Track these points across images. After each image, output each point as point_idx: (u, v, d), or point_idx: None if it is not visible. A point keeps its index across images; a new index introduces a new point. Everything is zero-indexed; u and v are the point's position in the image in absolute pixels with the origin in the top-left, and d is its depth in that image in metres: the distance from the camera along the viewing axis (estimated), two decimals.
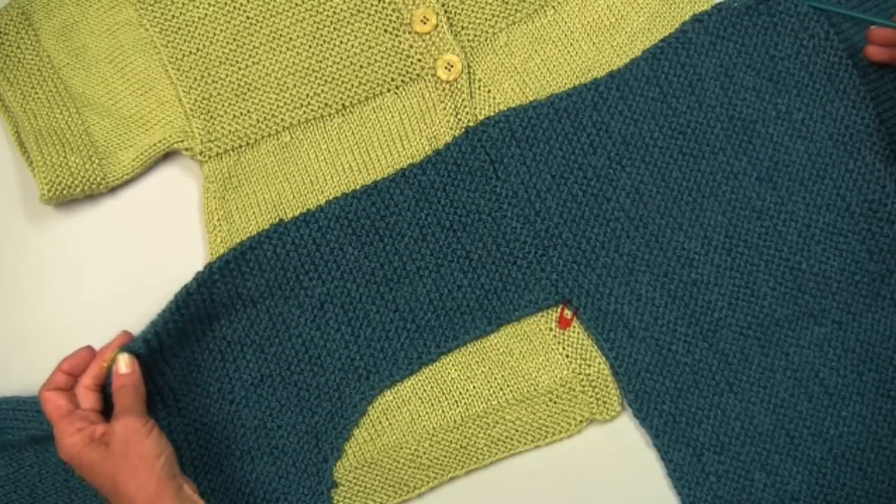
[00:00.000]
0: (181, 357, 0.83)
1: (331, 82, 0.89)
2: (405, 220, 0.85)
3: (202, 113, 0.88)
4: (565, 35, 0.90)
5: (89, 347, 0.81)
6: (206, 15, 0.89)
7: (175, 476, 0.73)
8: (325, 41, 0.89)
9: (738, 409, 0.82)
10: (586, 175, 0.85)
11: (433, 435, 0.85)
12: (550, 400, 0.85)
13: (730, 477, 0.82)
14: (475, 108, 0.89)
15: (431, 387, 0.86)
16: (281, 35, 0.89)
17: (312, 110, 0.89)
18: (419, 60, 0.89)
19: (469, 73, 0.90)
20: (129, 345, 0.79)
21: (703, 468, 0.82)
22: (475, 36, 0.90)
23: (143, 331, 0.80)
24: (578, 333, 0.86)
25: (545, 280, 0.85)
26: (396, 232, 0.85)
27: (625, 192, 0.84)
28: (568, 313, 0.85)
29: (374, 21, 0.89)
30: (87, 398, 0.78)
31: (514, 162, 0.85)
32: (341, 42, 0.89)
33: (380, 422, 0.85)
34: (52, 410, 0.76)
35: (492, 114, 0.88)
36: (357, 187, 0.87)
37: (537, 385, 0.85)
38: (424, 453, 0.84)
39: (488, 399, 0.85)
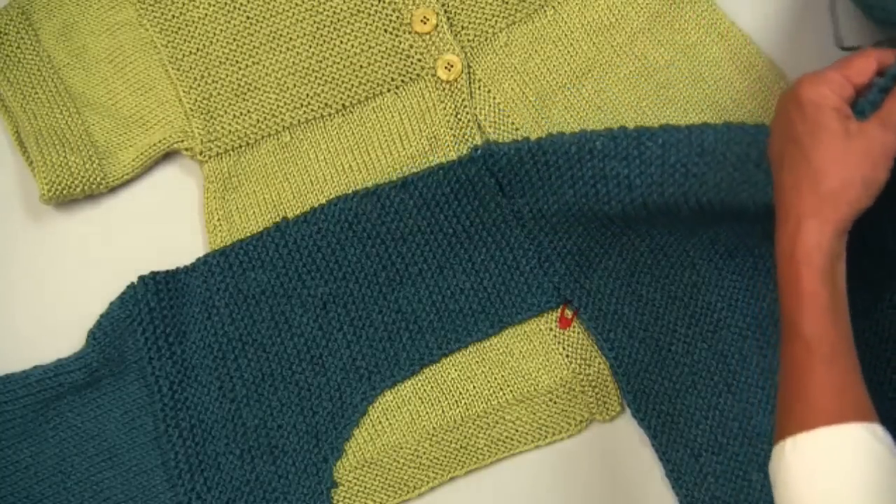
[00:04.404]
0: (180, 353, 0.84)
1: (331, 82, 0.89)
2: (406, 226, 0.85)
3: (202, 113, 0.88)
4: (565, 35, 0.90)
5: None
6: (206, 15, 0.89)
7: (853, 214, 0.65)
8: (325, 41, 0.89)
9: (736, 410, 0.82)
10: (592, 210, 0.82)
11: (433, 435, 0.85)
12: (550, 400, 0.85)
13: (727, 477, 0.82)
14: (475, 108, 0.89)
15: (431, 387, 0.86)
16: (281, 35, 0.89)
17: (312, 110, 0.89)
18: (419, 60, 0.89)
19: (469, 73, 0.90)
20: None
21: (701, 468, 0.82)
22: (475, 36, 0.90)
23: None
24: (578, 333, 0.86)
25: (547, 284, 0.85)
26: (398, 236, 0.85)
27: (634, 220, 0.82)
28: (568, 313, 0.86)
29: (374, 21, 0.89)
30: (846, 89, 0.67)
31: (522, 188, 0.83)
32: (341, 42, 0.89)
33: (380, 422, 0.85)
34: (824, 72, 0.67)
35: (492, 114, 0.88)
36: (357, 187, 0.88)
37: (537, 385, 0.85)
38: (424, 453, 0.85)
39: (488, 399, 0.85)
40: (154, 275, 0.84)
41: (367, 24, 0.89)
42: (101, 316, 0.85)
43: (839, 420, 0.62)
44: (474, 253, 0.85)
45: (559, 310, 0.86)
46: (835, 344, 0.64)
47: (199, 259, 0.86)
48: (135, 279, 0.85)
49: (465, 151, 0.88)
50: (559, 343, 0.86)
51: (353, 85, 0.89)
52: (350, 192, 0.86)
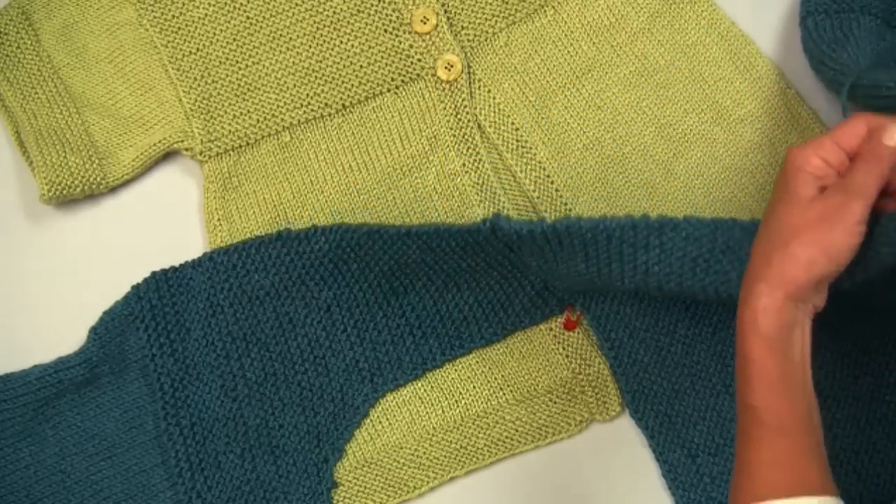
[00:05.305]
0: (182, 350, 0.84)
1: (331, 82, 0.89)
2: (411, 259, 0.83)
3: (202, 113, 0.88)
4: (565, 35, 0.90)
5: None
6: (206, 15, 0.89)
7: (816, 292, 0.64)
8: (325, 41, 0.89)
9: (733, 412, 0.83)
10: (604, 283, 0.79)
11: (433, 435, 0.85)
12: (550, 400, 0.85)
13: (724, 479, 0.82)
14: (475, 108, 0.89)
15: (431, 387, 0.86)
16: (281, 35, 0.89)
17: (312, 110, 0.89)
18: (419, 60, 0.89)
19: (469, 73, 0.90)
20: None
21: (698, 470, 0.83)
22: (475, 36, 0.90)
23: None
24: (578, 333, 0.86)
25: (549, 296, 0.85)
26: (402, 263, 0.83)
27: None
28: (574, 315, 0.86)
29: (374, 21, 0.89)
30: (835, 154, 0.66)
31: (531, 253, 0.80)
32: (341, 42, 0.89)
33: (380, 422, 0.86)
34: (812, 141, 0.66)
35: (492, 114, 0.88)
36: (357, 187, 0.88)
37: (537, 385, 0.86)
38: (424, 453, 0.85)
39: (488, 399, 0.86)
40: (156, 272, 0.85)
41: (367, 24, 0.89)
42: (104, 312, 0.85)
43: (789, 494, 0.60)
44: (478, 268, 0.84)
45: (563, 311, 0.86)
46: (785, 416, 0.61)
47: (204, 254, 0.86)
48: (135, 280, 0.85)
49: (464, 151, 0.89)
50: (559, 343, 0.86)
51: (353, 85, 0.89)
52: (351, 224, 0.83)
